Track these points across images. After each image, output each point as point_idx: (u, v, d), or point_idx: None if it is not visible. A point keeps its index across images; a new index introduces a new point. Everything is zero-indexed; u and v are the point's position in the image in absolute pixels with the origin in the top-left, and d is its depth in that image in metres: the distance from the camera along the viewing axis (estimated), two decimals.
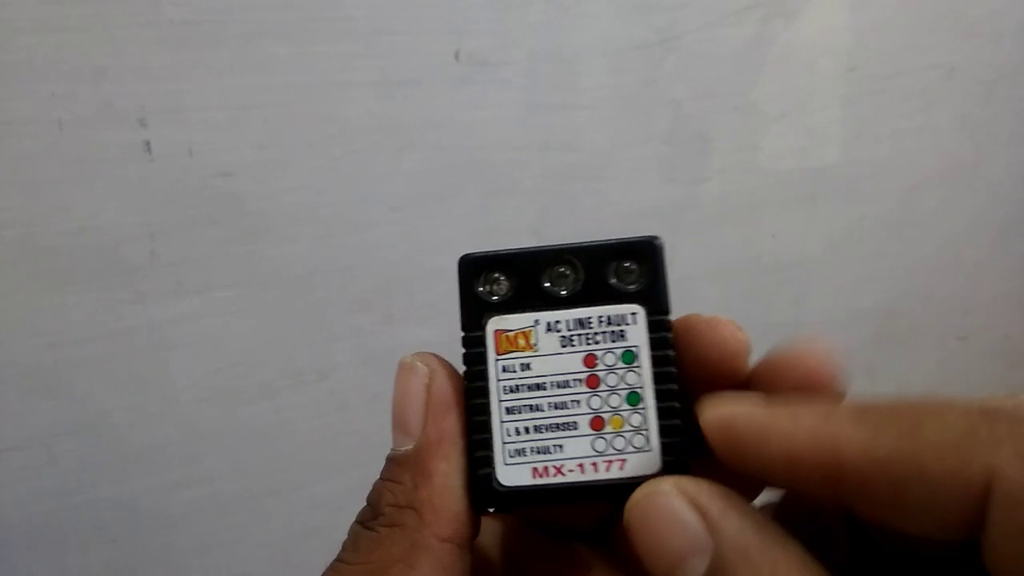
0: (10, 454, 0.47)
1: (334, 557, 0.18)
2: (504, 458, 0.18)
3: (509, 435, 0.19)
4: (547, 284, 0.19)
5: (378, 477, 0.19)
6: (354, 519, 0.20)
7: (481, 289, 0.19)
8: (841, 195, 0.71)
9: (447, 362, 0.19)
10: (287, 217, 0.50)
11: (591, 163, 0.59)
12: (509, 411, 0.19)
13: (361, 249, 0.52)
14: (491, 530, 0.21)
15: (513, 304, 0.19)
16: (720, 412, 0.16)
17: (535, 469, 0.18)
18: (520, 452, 0.18)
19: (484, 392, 0.19)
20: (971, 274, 0.82)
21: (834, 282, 0.74)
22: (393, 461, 0.19)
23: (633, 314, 0.19)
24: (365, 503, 0.19)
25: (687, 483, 0.16)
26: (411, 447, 0.18)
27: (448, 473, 0.18)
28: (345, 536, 0.19)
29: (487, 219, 0.56)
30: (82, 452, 0.48)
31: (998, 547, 0.13)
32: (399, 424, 0.19)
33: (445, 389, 0.19)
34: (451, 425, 0.18)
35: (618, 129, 0.59)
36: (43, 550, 0.49)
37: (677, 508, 0.15)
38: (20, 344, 0.45)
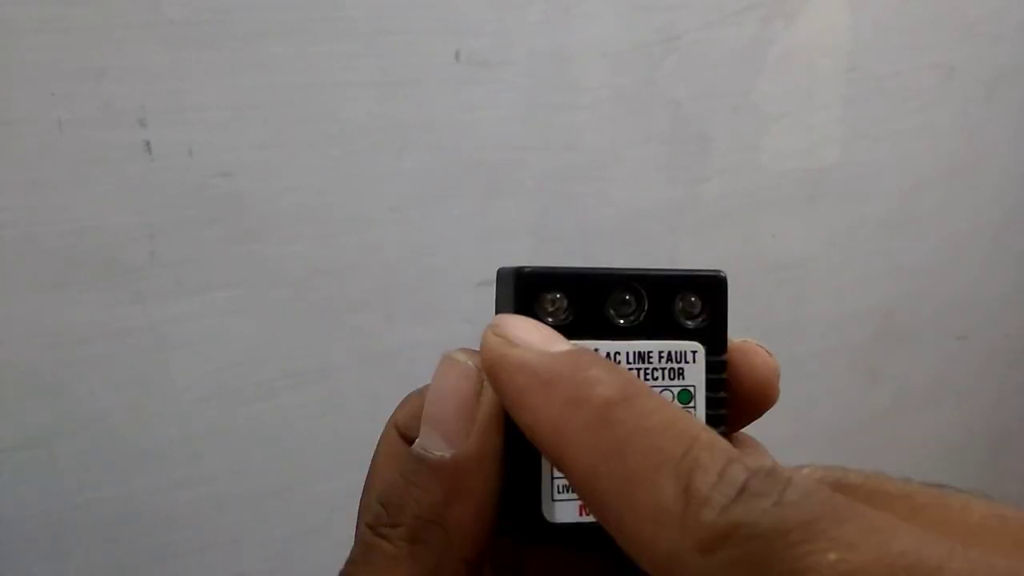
0: (10, 454, 0.47)
1: (334, 557, 0.17)
2: (552, 493, 0.17)
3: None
4: (609, 310, 0.18)
5: (398, 475, 0.17)
6: (359, 518, 0.18)
7: (538, 309, 0.18)
8: (841, 195, 0.71)
9: None
10: (287, 217, 0.50)
11: (591, 163, 0.59)
12: None
13: (361, 249, 0.52)
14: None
15: (572, 329, 0.17)
16: (498, 346, 0.16)
17: (582, 507, 0.17)
18: (568, 488, 0.17)
19: None
20: (971, 274, 0.82)
21: (834, 282, 0.74)
22: (424, 464, 0.17)
23: (693, 352, 0.18)
24: (376, 502, 0.17)
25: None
26: (447, 455, 0.17)
27: (485, 494, 0.17)
28: (345, 536, 0.18)
29: (487, 219, 0.56)
30: (82, 452, 0.48)
31: None
32: (436, 425, 0.17)
33: (496, 401, 0.17)
34: (497, 443, 0.17)
35: (618, 129, 0.59)
36: (43, 550, 0.49)
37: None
38: (20, 344, 0.45)
